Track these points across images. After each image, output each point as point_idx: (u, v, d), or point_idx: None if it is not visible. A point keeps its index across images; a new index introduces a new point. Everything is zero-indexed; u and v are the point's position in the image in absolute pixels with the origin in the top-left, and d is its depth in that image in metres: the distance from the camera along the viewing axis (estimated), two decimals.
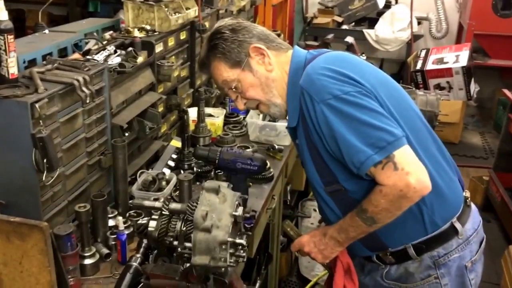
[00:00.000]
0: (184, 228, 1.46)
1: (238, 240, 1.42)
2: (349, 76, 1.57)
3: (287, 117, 1.76)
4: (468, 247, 1.73)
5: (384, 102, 1.59)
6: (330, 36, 4.15)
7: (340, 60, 1.64)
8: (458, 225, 1.70)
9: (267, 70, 1.71)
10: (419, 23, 5.97)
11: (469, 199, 1.78)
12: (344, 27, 5.83)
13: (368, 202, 1.57)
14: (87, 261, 1.70)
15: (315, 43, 4.26)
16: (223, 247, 1.40)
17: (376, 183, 1.54)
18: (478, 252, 1.77)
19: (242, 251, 1.45)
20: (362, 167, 1.52)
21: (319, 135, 1.60)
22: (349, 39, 4.08)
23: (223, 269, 1.42)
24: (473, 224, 1.76)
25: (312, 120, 1.59)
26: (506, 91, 4.28)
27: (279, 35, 4.16)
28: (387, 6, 6.00)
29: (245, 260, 1.49)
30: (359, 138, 1.52)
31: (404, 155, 1.51)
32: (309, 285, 3.31)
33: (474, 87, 5.56)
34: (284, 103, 1.73)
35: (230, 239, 1.39)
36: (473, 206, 1.81)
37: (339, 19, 5.91)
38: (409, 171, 1.49)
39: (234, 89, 1.74)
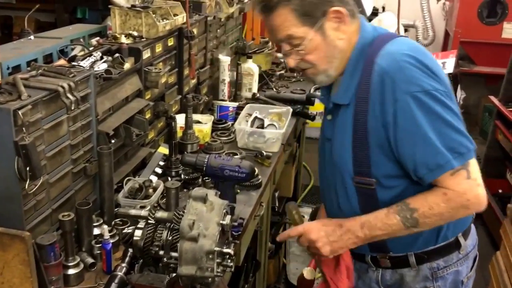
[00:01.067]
0: (170, 237, 1.44)
1: (225, 250, 1.41)
2: (435, 72, 1.49)
3: (332, 90, 1.65)
4: (466, 263, 1.72)
5: None
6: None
7: (423, 52, 1.54)
8: (462, 240, 1.69)
9: (338, 39, 1.55)
10: (406, 31, 6.01)
11: (473, 215, 1.75)
12: None
13: (421, 202, 1.49)
14: (71, 271, 1.66)
15: None
16: (210, 256, 1.38)
17: (432, 186, 1.49)
18: (473, 268, 1.78)
19: (229, 261, 1.43)
20: (437, 170, 1.46)
21: (384, 123, 1.49)
22: None
23: (210, 279, 1.40)
24: (472, 240, 1.76)
25: (385, 106, 1.48)
26: (492, 98, 4.32)
27: (267, 43, 4.19)
28: (374, 13, 6.02)
29: (232, 269, 1.47)
30: (441, 139, 1.45)
31: (476, 166, 1.49)
32: None
33: (460, 94, 5.61)
34: (337, 75, 1.61)
35: (217, 249, 1.37)
36: (472, 224, 1.80)
37: None
38: (480, 184, 1.47)
39: (295, 46, 1.56)
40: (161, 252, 1.43)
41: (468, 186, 1.46)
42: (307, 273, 2.06)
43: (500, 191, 4.23)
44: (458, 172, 1.46)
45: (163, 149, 2.45)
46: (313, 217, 3.75)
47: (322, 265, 1.73)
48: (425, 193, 1.51)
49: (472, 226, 1.78)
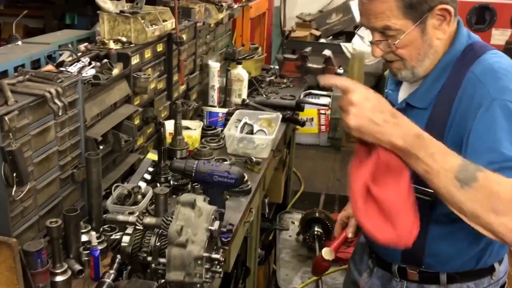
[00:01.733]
0: (159, 243, 1.43)
1: (214, 255, 1.40)
2: None
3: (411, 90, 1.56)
4: None
5: None
6: (308, 49, 4.17)
7: None
8: (497, 266, 1.66)
9: (437, 38, 1.47)
10: None
11: None
12: (322, 40, 5.87)
13: (492, 174, 1.22)
14: (59, 278, 1.64)
15: (293, 56, 4.28)
16: (199, 262, 1.37)
17: None
18: None
19: (218, 267, 1.43)
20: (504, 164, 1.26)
21: (461, 133, 1.39)
22: (327, 52, 4.10)
23: (198, 285, 1.40)
24: (505, 267, 1.71)
25: (468, 114, 1.38)
26: None
27: (256, 49, 4.20)
28: None
29: (221, 275, 1.46)
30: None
31: None
32: None
33: None
34: (424, 75, 1.53)
35: (205, 254, 1.37)
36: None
37: (317, 33, 5.95)
38: None
39: (388, 37, 1.46)
40: (149, 258, 1.43)
41: None
42: (326, 253, 1.94)
43: None
44: None
45: (152, 155, 2.44)
46: (303, 222, 3.76)
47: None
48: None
49: (506, 254, 1.73)
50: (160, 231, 1.44)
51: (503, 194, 1.17)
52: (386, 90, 1.66)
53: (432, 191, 1.29)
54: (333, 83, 1.32)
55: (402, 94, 1.62)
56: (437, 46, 1.50)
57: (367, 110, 1.24)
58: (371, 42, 1.51)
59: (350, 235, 1.85)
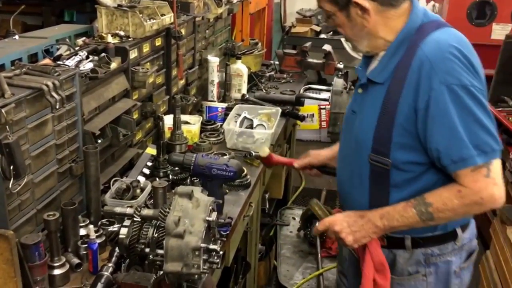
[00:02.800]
0: (156, 235, 1.42)
1: (211, 246, 1.39)
2: (476, 69, 1.54)
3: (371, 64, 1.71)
4: (459, 254, 1.75)
5: None
6: (308, 44, 4.16)
7: (470, 48, 1.58)
8: (459, 232, 1.72)
9: (364, 25, 1.63)
10: None
11: None
12: (322, 36, 5.87)
13: (435, 197, 1.55)
14: (57, 271, 1.64)
15: (294, 51, 4.27)
16: (196, 253, 1.36)
17: (441, 178, 1.57)
18: (468, 260, 1.79)
19: (216, 257, 1.42)
20: (460, 163, 1.50)
21: (416, 108, 1.54)
22: (327, 47, 4.09)
23: (196, 276, 1.39)
24: (470, 234, 1.78)
25: (419, 92, 1.52)
26: None
27: (256, 44, 4.19)
28: None
29: (219, 266, 1.46)
30: (468, 134, 1.49)
31: (498, 167, 1.52)
32: None
33: None
34: (371, 52, 1.69)
35: (203, 245, 1.36)
36: (472, 219, 1.83)
37: (317, 28, 5.95)
38: (498, 183, 1.50)
39: (329, 16, 1.69)
40: (147, 250, 1.42)
41: (484, 184, 1.50)
42: (262, 151, 2.27)
43: None
44: (478, 170, 1.49)
45: (151, 150, 2.44)
46: (303, 217, 3.75)
47: (359, 257, 1.79)
48: (441, 188, 1.57)
49: (472, 220, 1.80)
50: (158, 222, 1.43)
51: (452, 205, 1.53)
52: (356, 67, 1.83)
53: (389, 160, 1.60)
54: (318, 232, 1.80)
55: (369, 70, 1.74)
56: (370, 30, 1.63)
57: (347, 228, 1.68)
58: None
59: (296, 165, 2.21)
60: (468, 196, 1.51)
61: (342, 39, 5.77)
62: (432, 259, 1.72)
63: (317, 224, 1.81)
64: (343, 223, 1.69)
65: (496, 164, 1.52)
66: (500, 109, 4.06)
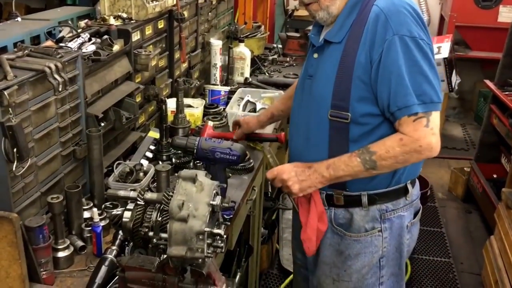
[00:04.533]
0: (160, 218, 1.42)
1: (215, 230, 1.38)
2: (425, 25, 1.67)
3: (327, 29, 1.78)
4: (410, 210, 1.87)
5: None
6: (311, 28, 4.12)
7: (417, 6, 1.70)
8: (409, 187, 1.83)
9: None
10: None
11: (420, 168, 1.92)
12: None
13: (379, 146, 1.64)
14: (61, 254, 1.65)
15: (297, 34, 4.23)
16: (200, 237, 1.36)
17: (393, 131, 1.66)
18: (416, 217, 1.92)
19: (220, 242, 1.41)
20: (403, 110, 1.60)
21: (372, 60, 1.63)
22: None
23: (200, 260, 1.39)
24: (417, 190, 1.91)
25: (375, 43, 1.62)
26: (487, 82, 4.30)
27: (259, 27, 4.15)
28: None
29: (223, 251, 1.45)
30: (412, 83, 1.60)
31: (437, 118, 1.63)
32: (290, 277, 3.29)
33: (455, 79, 5.58)
34: (337, 14, 1.75)
35: (207, 229, 1.35)
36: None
37: None
38: (435, 133, 1.62)
39: None
40: (151, 233, 1.41)
41: (423, 133, 1.60)
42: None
43: (494, 176, 4.23)
44: (419, 120, 1.60)
45: (154, 134, 2.43)
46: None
47: (299, 209, 1.87)
48: (384, 138, 1.67)
49: (417, 180, 1.92)
50: (161, 206, 1.43)
51: (394, 153, 1.62)
52: (309, 35, 1.91)
53: (349, 114, 1.68)
54: (269, 178, 1.84)
55: (322, 35, 1.82)
56: None
57: (295, 177, 1.75)
58: None
59: (234, 137, 2.29)
60: (408, 144, 1.61)
61: None
62: (386, 214, 1.81)
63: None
64: (291, 172, 1.76)
65: (435, 116, 1.62)
66: (507, 93, 4.03)
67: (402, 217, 1.84)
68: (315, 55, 1.82)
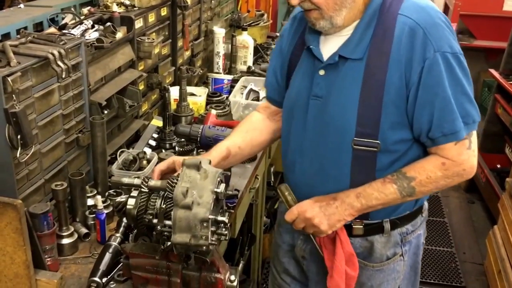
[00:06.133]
0: (164, 206, 1.41)
1: (220, 218, 1.38)
2: (456, 35, 1.49)
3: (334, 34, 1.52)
4: (423, 224, 1.74)
5: None
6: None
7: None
8: (425, 203, 1.73)
9: None
10: None
11: None
12: None
13: (418, 171, 1.48)
14: (65, 241, 1.65)
15: None
16: (204, 224, 1.35)
17: (422, 153, 1.52)
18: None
19: (224, 229, 1.41)
20: (449, 136, 1.45)
21: (408, 81, 1.42)
22: None
23: (204, 247, 1.39)
24: (428, 205, 1.77)
25: (412, 63, 1.41)
26: (492, 71, 4.28)
27: (262, 15, 4.13)
28: None
29: (227, 238, 1.45)
30: (458, 106, 1.43)
31: (475, 136, 1.50)
32: None
33: None
34: (342, 26, 1.49)
35: (211, 217, 1.35)
36: None
37: None
38: (476, 154, 1.50)
39: None
40: (155, 221, 1.41)
41: (467, 156, 1.47)
42: None
43: (498, 166, 4.22)
44: (461, 142, 1.46)
45: (157, 122, 2.43)
46: (270, 209, 3.72)
47: (323, 252, 1.63)
48: (421, 161, 1.50)
49: None
50: (166, 193, 1.42)
51: (436, 178, 1.48)
52: (310, 47, 1.56)
53: (378, 142, 1.48)
54: (289, 220, 1.59)
55: (328, 48, 1.54)
56: None
57: (321, 212, 1.52)
58: None
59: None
60: (451, 168, 1.48)
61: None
62: (407, 237, 1.66)
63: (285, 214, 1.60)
64: (315, 208, 1.53)
65: (475, 135, 1.50)
66: None
67: (419, 236, 1.71)
68: (322, 72, 1.53)
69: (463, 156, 1.47)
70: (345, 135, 1.50)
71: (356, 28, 1.49)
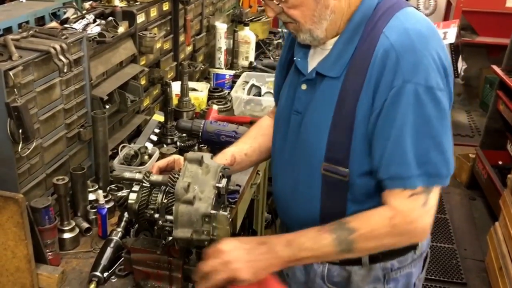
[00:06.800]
0: (165, 200, 1.41)
1: (221, 213, 1.38)
2: (447, 69, 1.28)
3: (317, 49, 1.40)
4: (419, 263, 1.56)
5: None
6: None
7: (440, 38, 1.31)
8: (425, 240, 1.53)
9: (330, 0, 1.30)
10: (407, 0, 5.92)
11: None
12: None
13: (361, 222, 1.29)
14: (67, 235, 1.65)
15: None
16: (206, 219, 1.35)
17: (382, 203, 1.31)
18: (424, 269, 1.61)
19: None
20: (396, 181, 1.27)
21: (371, 105, 1.27)
22: None
23: (206, 242, 1.39)
24: (428, 240, 1.58)
25: (379, 88, 1.25)
26: (494, 67, 4.26)
27: (264, 11, 4.11)
28: None
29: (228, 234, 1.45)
30: (417, 148, 1.25)
31: (437, 196, 1.30)
32: None
33: (461, 65, 5.55)
34: (325, 39, 1.36)
35: (213, 212, 1.35)
36: None
37: None
38: (432, 214, 1.30)
39: None
40: (156, 215, 1.41)
41: (420, 214, 1.28)
42: None
43: (500, 162, 4.22)
44: (416, 196, 1.27)
45: (158, 117, 2.42)
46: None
47: None
48: (370, 212, 1.31)
49: None
50: (167, 188, 1.42)
51: (381, 233, 1.28)
52: (294, 59, 1.46)
53: (347, 170, 1.33)
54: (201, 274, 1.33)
55: (313, 61, 1.42)
56: (336, 6, 1.32)
57: (242, 258, 1.29)
58: (263, 1, 1.37)
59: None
60: (400, 224, 1.27)
61: None
62: (392, 274, 1.48)
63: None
64: (239, 250, 1.30)
65: (436, 193, 1.29)
66: None
67: (409, 275, 1.51)
68: (304, 87, 1.42)
69: (416, 212, 1.27)
70: (315, 159, 1.37)
71: (335, 43, 1.36)
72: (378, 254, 1.43)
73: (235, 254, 1.30)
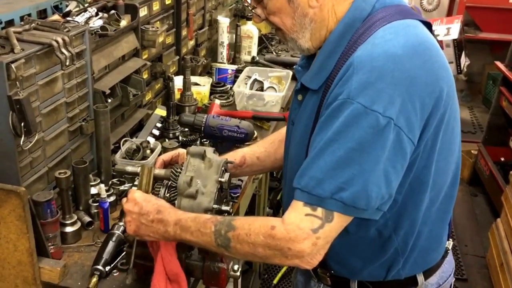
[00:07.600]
0: (168, 195, 1.41)
1: (223, 207, 1.38)
2: (421, 95, 1.13)
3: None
4: None
5: (436, 134, 1.21)
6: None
7: (424, 59, 1.16)
8: (420, 278, 1.40)
9: (309, 6, 1.25)
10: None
11: (449, 250, 1.52)
12: None
13: (243, 223, 1.22)
14: (69, 229, 1.65)
15: None
16: (208, 214, 1.35)
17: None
18: None
19: None
20: (300, 194, 1.17)
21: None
22: None
23: None
24: (439, 278, 1.46)
25: (330, 97, 1.18)
26: (498, 63, 4.25)
27: None
28: None
29: None
30: (334, 164, 1.12)
31: (338, 229, 1.17)
32: None
33: (464, 61, 5.53)
34: (314, 48, 1.32)
35: (215, 206, 1.35)
36: (449, 255, 1.53)
37: None
38: (320, 246, 1.16)
39: (258, 2, 1.31)
40: None
41: (304, 237, 1.14)
42: None
43: (502, 159, 4.22)
44: (313, 218, 1.14)
45: (160, 111, 2.42)
46: None
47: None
48: (259, 216, 1.29)
49: (447, 259, 1.52)
50: (169, 182, 1.42)
51: (255, 241, 1.19)
52: (294, 67, 1.44)
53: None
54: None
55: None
56: (314, 16, 1.26)
57: (136, 215, 1.33)
58: (251, 8, 1.38)
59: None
60: (277, 238, 1.15)
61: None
62: None
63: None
64: (135, 207, 1.33)
65: (338, 226, 1.16)
66: None
67: None
68: (299, 97, 1.37)
69: (300, 233, 1.14)
70: (295, 174, 1.22)
71: (317, 55, 1.30)
72: (368, 284, 1.37)
73: (131, 208, 1.34)
